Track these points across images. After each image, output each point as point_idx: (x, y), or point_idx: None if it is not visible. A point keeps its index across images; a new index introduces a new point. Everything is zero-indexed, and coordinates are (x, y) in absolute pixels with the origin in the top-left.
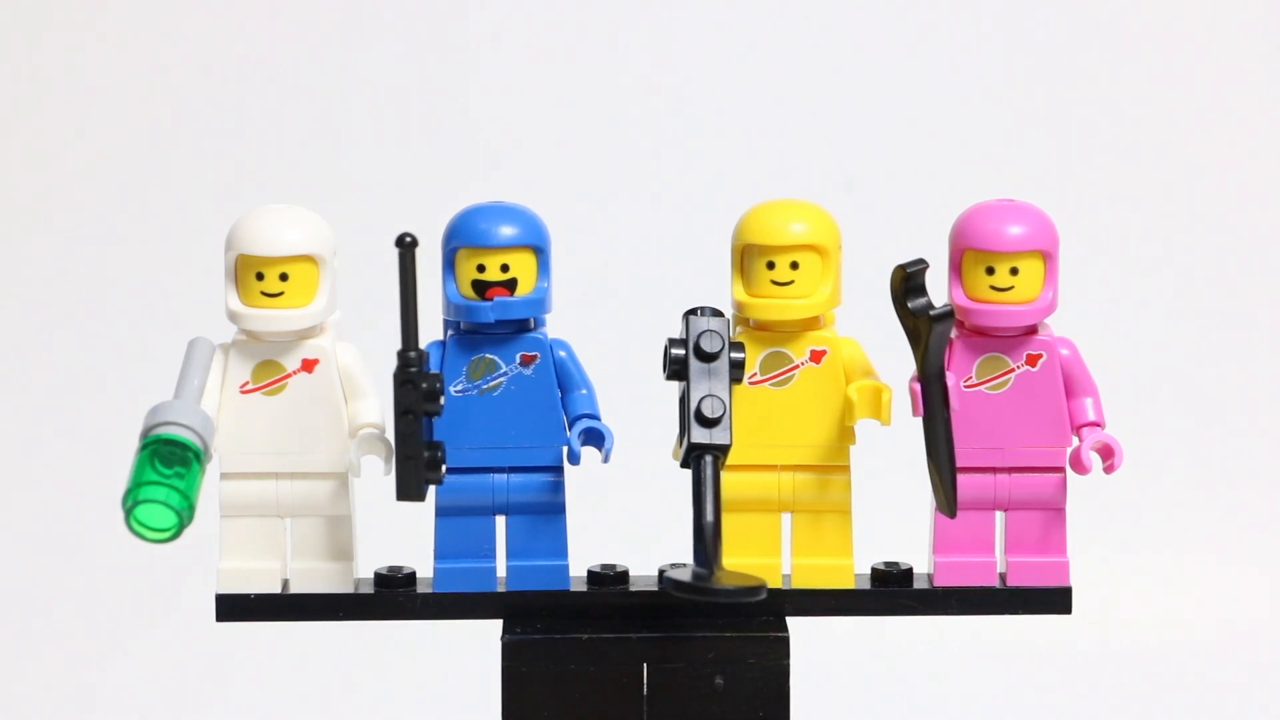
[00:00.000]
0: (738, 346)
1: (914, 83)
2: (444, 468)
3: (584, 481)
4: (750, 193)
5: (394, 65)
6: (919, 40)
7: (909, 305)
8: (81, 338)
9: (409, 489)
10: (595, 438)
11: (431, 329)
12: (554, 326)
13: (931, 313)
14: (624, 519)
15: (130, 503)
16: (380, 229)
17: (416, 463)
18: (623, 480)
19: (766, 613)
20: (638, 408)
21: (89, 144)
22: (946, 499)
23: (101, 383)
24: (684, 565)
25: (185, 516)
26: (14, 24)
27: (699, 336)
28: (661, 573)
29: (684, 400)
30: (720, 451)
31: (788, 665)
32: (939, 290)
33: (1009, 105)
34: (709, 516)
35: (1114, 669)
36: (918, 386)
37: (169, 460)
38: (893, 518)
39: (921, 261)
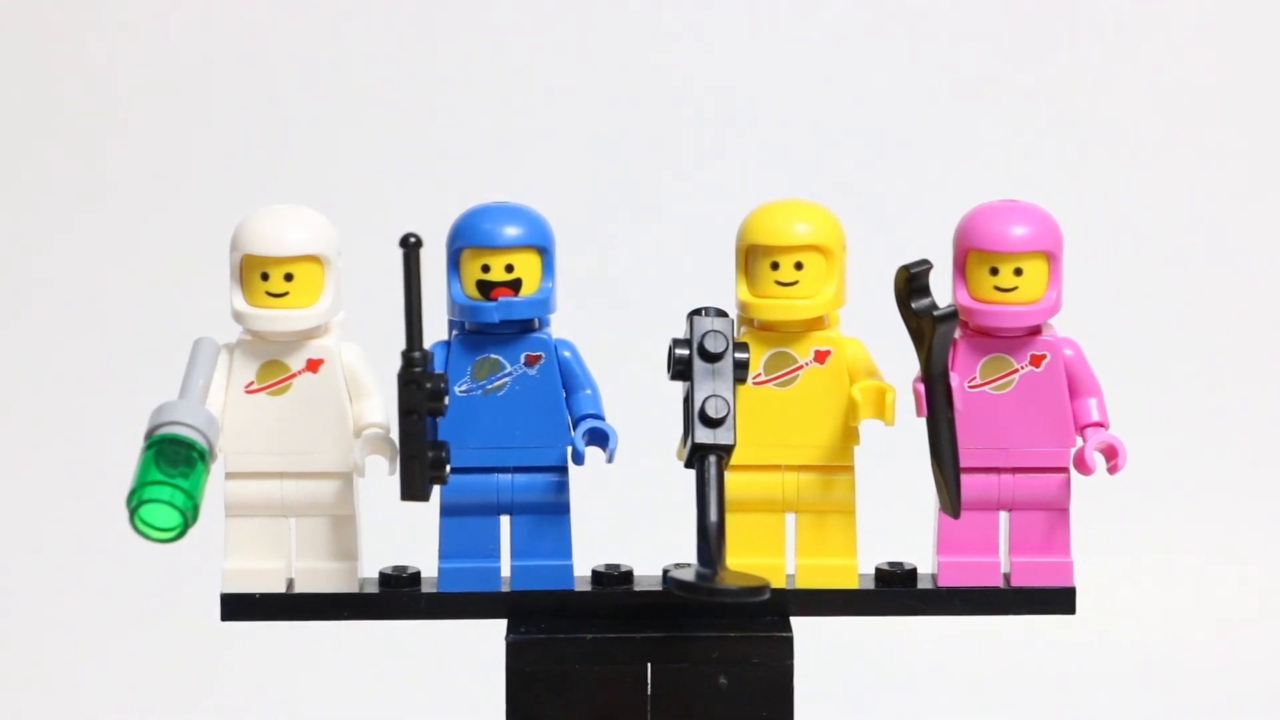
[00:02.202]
0: (742, 347)
1: (918, 83)
2: (448, 467)
3: (588, 481)
4: (755, 193)
5: (398, 65)
6: (923, 40)
7: (913, 306)
8: (87, 338)
9: (414, 489)
10: (600, 438)
11: (436, 329)
12: (558, 327)
13: (935, 313)
14: (628, 519)
15: (135, 502)
16: (385, 229)
17: (421, 462)
18: (627, 480)
19: (770, 613)
20: (642, 408)
21: (93, 144)
22: (950, 499)
23: (106, 382)
24: (688, 565)
25: (190, 516)
26: (17, 26)
27: (703, 337)
28: (665, 573)
29: (688, 400)
30: (724, 452)
31: (791, 665)
32: (943, 291)
33: (1013, 106)
34: (713, 516)
35: (1117, 669)
36: (922, 387)
37: (174, 460)
38: (897, 518)
39: (925, 262)
